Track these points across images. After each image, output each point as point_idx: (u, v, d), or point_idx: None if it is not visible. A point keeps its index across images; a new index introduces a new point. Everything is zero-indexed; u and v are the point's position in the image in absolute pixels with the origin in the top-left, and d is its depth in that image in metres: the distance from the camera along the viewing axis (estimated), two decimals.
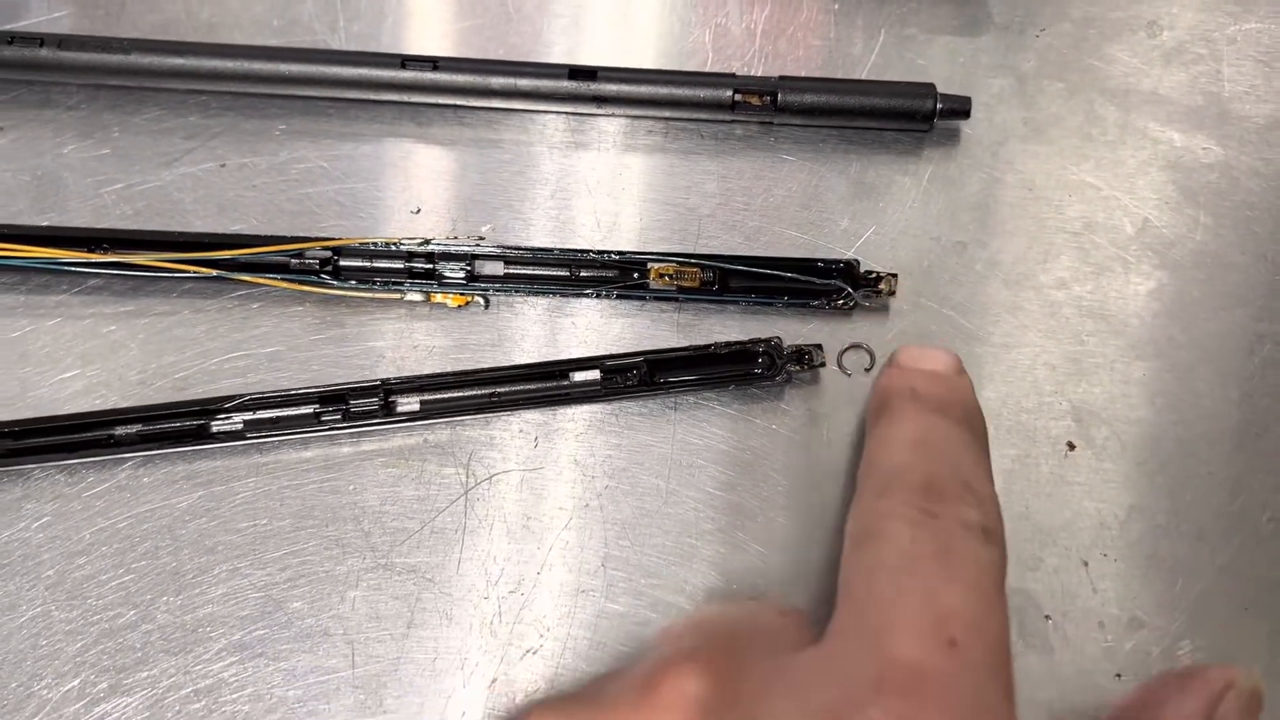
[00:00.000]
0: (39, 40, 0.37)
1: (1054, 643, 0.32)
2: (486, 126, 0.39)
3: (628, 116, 0.38)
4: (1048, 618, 0.32)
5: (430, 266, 0.35)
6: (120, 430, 0.34)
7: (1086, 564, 0.33)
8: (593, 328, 0.36)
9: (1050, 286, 0.36)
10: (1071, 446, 0.34)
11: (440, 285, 0.35)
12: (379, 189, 0.38)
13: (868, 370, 0.35)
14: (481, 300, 0.36)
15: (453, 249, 0.35)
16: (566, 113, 0.38)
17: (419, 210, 0.37)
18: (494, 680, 0.32)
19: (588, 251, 0.36)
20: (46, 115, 0.39)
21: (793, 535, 0.33)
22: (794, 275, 0.35)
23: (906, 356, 0.30)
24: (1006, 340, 0.35)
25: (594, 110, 0.38)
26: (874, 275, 0.35)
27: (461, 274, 0.35)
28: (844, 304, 0.35)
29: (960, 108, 0.37)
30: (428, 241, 0.35)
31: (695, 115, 0.38)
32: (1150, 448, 0.34)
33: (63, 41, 0.37)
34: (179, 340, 0.35)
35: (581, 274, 0.36)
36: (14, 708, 0.31)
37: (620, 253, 0.36)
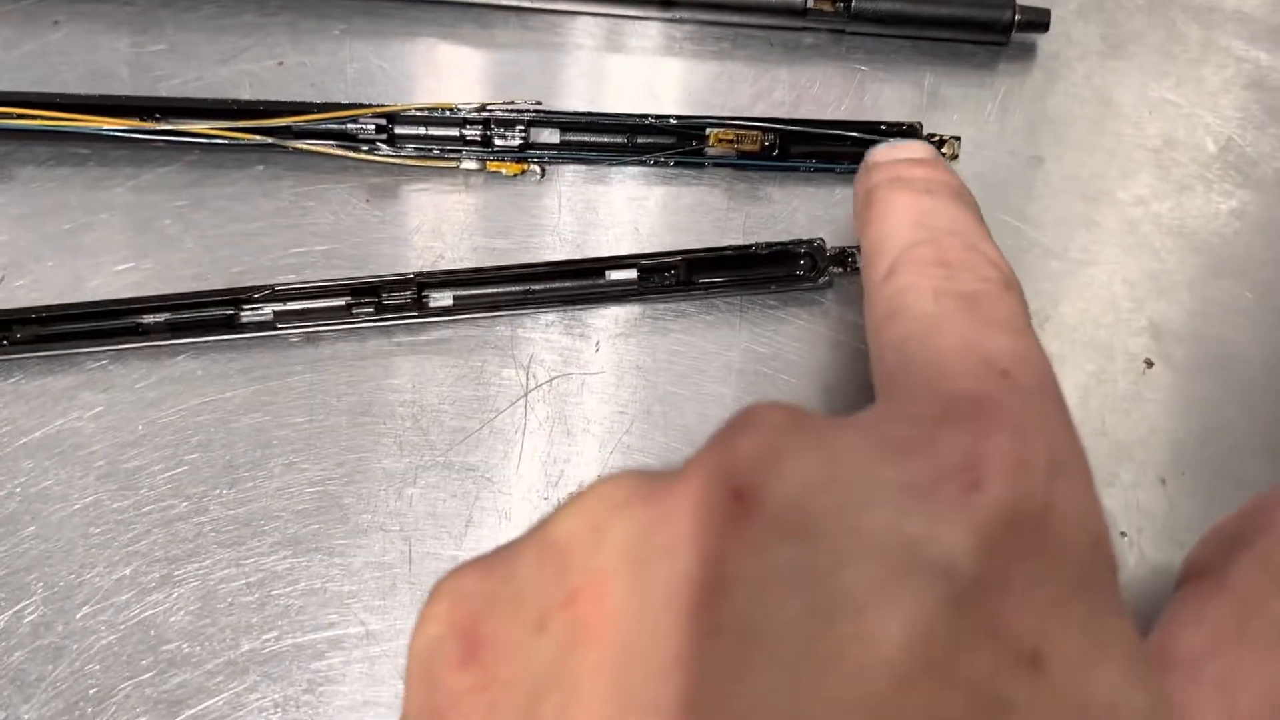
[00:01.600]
0: None
1: (1130, 559, 0.31)
2: (550, 30, 0.38)
3: (696, 21, 0.37)
4: (1124, 534, 0.31)
5: (486, 133, 0.34)
6: (149, 319, 0.33)
7: (1164, 481, 0.32)
8: (639, 198, 0.35)
9: (1129, 203, 0.35)
10: (1149, 364, 0.33)
11: (495, 154, 0.35)
12: (438, 93, 0.37)
13: None
14: (537, 169, 0.35)
15: (508, 115, 0.34)
16: (634, 16, 0.37)
17: None
18: None
19: (645, 116, 0.35)
20: (102, 10, 0.38)
21: None
22: (857, 136, 0.34)
23: (880, 154, 0.28)
24: (1083, 256, 0.34)
25: (662, 14, 0.37)
26: (937, 139, 0.34)
27: (517, 141, 0.34)
28: None
29: (1039, 20, 0.36)
30: (484, 107, 0.34)
31: (766, 20, 0.37)
32: (1229, 367, 0.33)
33: None
34: (234, 235, 0.35)
35: (638, 140, 0.35)
36: (65, 594, 0.31)
37: (679, 117, 0.34)
